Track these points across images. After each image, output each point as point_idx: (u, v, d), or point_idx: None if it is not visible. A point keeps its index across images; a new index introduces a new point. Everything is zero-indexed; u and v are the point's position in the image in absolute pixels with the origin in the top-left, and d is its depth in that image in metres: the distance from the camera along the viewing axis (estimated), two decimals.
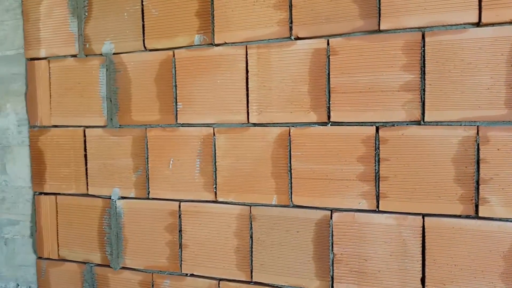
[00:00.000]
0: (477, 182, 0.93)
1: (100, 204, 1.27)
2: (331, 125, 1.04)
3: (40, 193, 1.35)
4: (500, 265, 0.92)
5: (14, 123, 1.36)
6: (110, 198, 1.26)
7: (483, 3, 0.90)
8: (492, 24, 0.90)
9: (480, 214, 0.93)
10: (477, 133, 0.92)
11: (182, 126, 1.17)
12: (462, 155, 0.94)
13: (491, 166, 0.91)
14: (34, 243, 1.37)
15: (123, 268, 1.26)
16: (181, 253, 1.19)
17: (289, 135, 1.07)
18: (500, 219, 0.92)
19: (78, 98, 1.27)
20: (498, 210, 0.92)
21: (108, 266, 1.28)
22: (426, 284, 0.98)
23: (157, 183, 1.20)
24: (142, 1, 1.18)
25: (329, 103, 1.03)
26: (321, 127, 1.04)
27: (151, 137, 1.20)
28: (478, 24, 0.92)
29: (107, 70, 1.23)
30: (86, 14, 1.24)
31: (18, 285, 1.42)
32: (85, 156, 1.28)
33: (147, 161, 1.21)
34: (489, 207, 0.92)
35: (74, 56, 1.27)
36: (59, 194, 1.32)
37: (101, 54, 1.24)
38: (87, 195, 1.29)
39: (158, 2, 1.17)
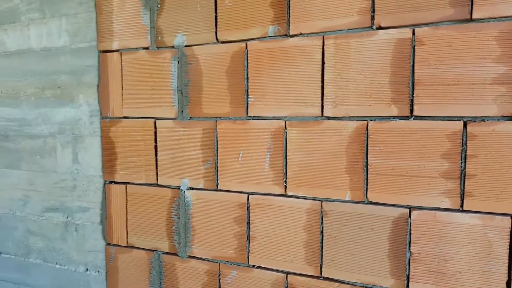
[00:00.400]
0: None
1: (169, 194, 1.29)
2: (413, 119, 0.99)
3: (111, 182, 1.39)
4: None
5: (86, 114, 1.41)
6: (179, 189, 1.28)
7: None
8: None
9: None
10: None
11: (252, 119, 1.16)
12: None
13: None
14: (103, 229, 1.43)
15: (190, 257, 1.29)
16: (248, 244, 1.20)
17: (367, 129, 1.03)
18: None
19: (150, 90, 1.29)
20: None
21: (176, 254, 1.31)
22: None
23: (226, 175, 1.21)
24: None
25: (412, 96, 0.98)
26: (403, 121, 1.00)
27: (221, 129, 1.20)
28: None
29: (178, 62, 1.24)
30: (159, 6, 1.25)
31: (87, 269, 1.49)
32: (155, 147, 1.30)
33: (217, 153, 1.21)
34: None
35: (146, 48, 1.29)
36: (129, 183, 1.36)
37: (173, 47, 1.25)
38: (156, 185, 1.32)
39: None
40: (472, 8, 0.91)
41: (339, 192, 1.08)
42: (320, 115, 1.08)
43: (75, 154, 1.45)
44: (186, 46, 1.23)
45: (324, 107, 1.07)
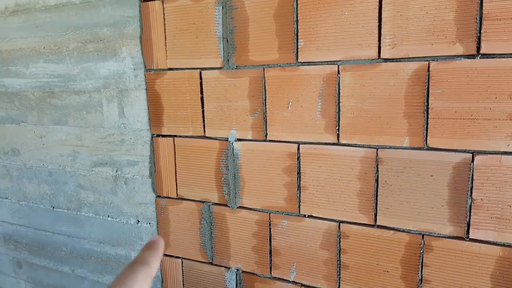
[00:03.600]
0: None
1: (217, 146, 1.32)
2: (480, 57, 0.94)
3: (158, 135, 1.43)
4: None
5: (130, 67, 1.43)
6: (227, 140, 1.30)
7: None
8: None
9: None
10: None
11: (302, 65, 1.14)
12: None
13: None
14: (153, 182, 1.48)
15: (240, 207, 1.33)
16: (299, 194, 1.22)
17: (428, 70, 0.99)
18: None
19: (194, 39, 1.28)
20: None
21: (226, 205, 1.35)
22: None
23: (275, 125, 1.21)
24: None
25: (480, 33, 0.93)
26: (468, 60, 0.95)
27: (269, 77, 1.19)
28: None
29: (223, 8, 1.21)
30: None
31: (139, 221, 1.57)
32: (202, 98, 1.31)
33: (265, 102, 1.21)
34: None
35: None
36: (176, 136, 1.39)
37: None
38: (204, 137, 1.34)
39: None
40: None
41: (396, 138, 1.06)
42: (377, 57, 1.05)
43: (121, 108, 1.49)
44: None
45: (382, 48, 1.03)
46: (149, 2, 1.34)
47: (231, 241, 1.37)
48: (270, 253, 1.31)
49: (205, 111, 1.32)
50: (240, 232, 1.34)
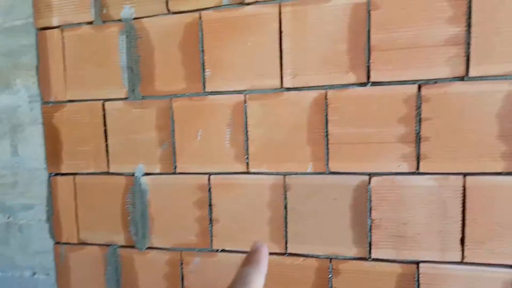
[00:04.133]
0: None
1: (123, 182, 1.25)
2: (371, 85, 1.03)
3: (56, 174, 1.32)
4: None
5: (25, 100, 1.32)
6: (134, 175, 1.24)
7: None
8: None
9: None
10: None
11: (210, 94, 1.15)
12: (507, 110, 0.94)
13: None
14: (51, 227, 1.35)
15: (150, 248, 1.25)
16: (211, 228, 1.18)
17: (326, 98, 1.06)
18: None
19: (96, 69, 1.23)
20: None
21: (133, 246, 1.26)
22: (465, 244, 0.99)
23: (184, 157, 1.19)
24: None
25: (369, 62, 1.02)
26: (360, 88, 1.04)
27: (177, 107, 1.18)
28: None
29: (127, 37, 1.20)
30: None
31: (35, 273, 1.40)
32: (105, 131, 1.25)
33: (173, 133, 1.19)
34: None
35: (90, 23, 1.24)
36: (77, 174, 1.30)
37: (120, 20, 1.21)
38: (108, 173, 1.27)
39: None
40: None
41: (301, 164, 1.10)
42: (280, 87, 1.10)
43: (14, 146, 1.35)
44: (134, 18, 1.19)
45: (284, 78, 1.09)
46: (47, 30, 1.27)
47: (141, 286, 1.27)
48: None
49: (109, 145, 1.25)
50: (150, 275, 1.26)
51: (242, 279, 0.35)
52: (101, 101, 1.25)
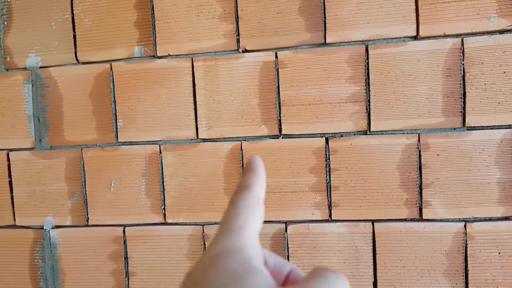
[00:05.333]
0: (420, 187, 1.00)
1: (31, 236, 1.14)
2: (282, 137, 1.04)
3: None
4: (443, 263, 1.00)
5: None
6: (43, 228, 1.14)
7: (420, 18, 0.97)
8: (429, 38, 0.98)
9: (424, 217, 1.00)
10: (418, 140, 0.99)
11: (124, 145, 1.10)
12: (406, 161, 1.00)
13: (431, 171, 0.99)
14: None
15: None
16: (128, 282, 1.12)
17: (241, 150, 1.05)
18: (441, 220, 1.00)
19: (0, 118, 1.13)
20: (440, 211, 0.99)
21: None
22: (378, 287, 1.03)
23: (97, 208, 1.11)
24: (72, 10, 1.09)
25: (280, 116, 1.03)
26: (273, 140, 1.04)
27: (88, 158, 1.10)
28: (415, 37, 0.99)
29: (33, 86, 1.11)
30: (6, 24, 1.11)
31: None
32: (10, 182, 1.14)
33: (84, 184, 1.11)
34: (431, 209, 0.99)
35: None
36: None
37: (25, 68, 1.11)
38: (14, 226, 1.15)
39: (91, 11, 1.08)
40: (325, 33, 1.00)
41: (219, 214, 1.08)
42: (196, 138, 1.07)
43: None
44: (41, 67, 1.11)
45: (199, 129, 1.06)
46: None
47: None
48: None
49: (14, 197, 1.14)
50: None
51: (243, 183, 0.35)
52: (6, 151, 1.13)
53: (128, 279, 1.11)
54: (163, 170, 1.08)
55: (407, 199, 1.01)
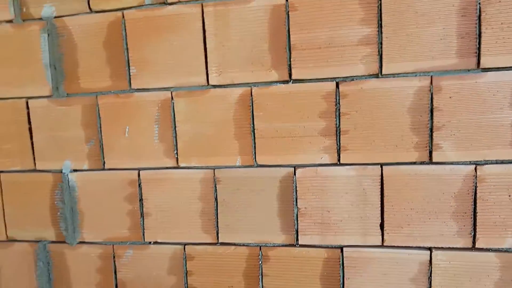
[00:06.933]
0: (431, 130, 0.96)
1: (51, 179, 1.15)
2: (292, 82, 1.01)
3: None
4: (452, 206, 0.97)
5: None
6: (62, 172, 1.15)
7: None
8: None
9: (433, 160, 0.96)
10: (431, 82, 0.94)
11: (137, 92, 1.08)
12: (417, 104, 0.95)
13: (443, 113, 0.94)
14: None
15: (81, 242, 1.17)
16: (143, 222, 1.13)
17: (251, 95, 1.03)
18: (451, 163, 0.96)
19: (18, 68, 1.11)
20: (450, 154, 0.96)
21: (64, 242, 1.18)
22: (385, 228, 1.01)
23: (113, 153, 1.11)
24: None
25: (290, 61, 0.99)
26: (283, 85, 1.01)
27: (103, 104, 1.10)
28: None
29: (49, 35, 1.09)
30: None
31: None
32: (30, 129, 1.15)
33: (100, 130, 1.11)
34: (441, 152, 0.96)
35: (10, 21, 1.11)
36: (2, 172, 1.18)
37: (41, 19, 1.09)
38: (35, 170, 1.16)
39: None
40: None
41: (230, 158, 1.06)
42: (206, 84, 1.05)
43: None
44: (56, 17, 1.08)
45: (210, 75, 1.04)
46: None
47: (73, 280, 1.20)
48: (116, 287, 1.18)
49: (34, 143, 1.15)
50: (82, 270, 1.18)
51: None
52: (25, 99, 1.14)
53: (143, 219, 1.13)
54: (175, 116, 1.07)
55: (417, 142, 0.97)
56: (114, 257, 1.16)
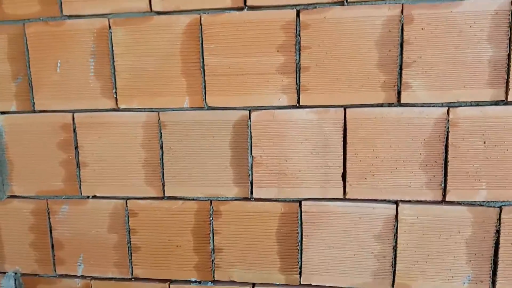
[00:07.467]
0: (400, 67, 0.84)
1: None
2: (247, 9, 0.87)
3: None
4: (421, 153, 0.86)
5: None
6: None
7: None
8: None
9: (402, 101, 0.85)
10: (402, 11, 0.82)
11: (69, 19, 0.93)
12: (386, 37, 0.83)
13: (414, 47, 0.83)
14: None
15: (11, 197, 1.03)
16: (79, 173, 0.99)
17: (200, 24, 0.88)
18: (422, 105, 0.85)
19: None
20: (421, 94, 0.84)
21: None
22: (347, 179, 0.89)
23: (44, 92, 0.96)
24: None
25: None
26: (237, 12, 0.87)
27: (31, 34, 0.94)
28: None
29: None
30: None
31: None
32: None
33: (29, 65, 0.95)
34: (411, 92, 0.84)
35: None
36: None
37: None
38: None
39: None
40: None
41: (177, 99, 0.92)
42: (149, 10, 0.90)
43: None
44: None
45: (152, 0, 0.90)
46: None
47: (4, 239, 1.05)
48: (52, 247, 1.04)
49: None
50: (14, 228, 1.04)
51: None
52: None
53: (80, 170, 0.98)
54: (113, 48, 0.92)
55: (384, 81, 0.85)
56: (48, 213, 1.02)
